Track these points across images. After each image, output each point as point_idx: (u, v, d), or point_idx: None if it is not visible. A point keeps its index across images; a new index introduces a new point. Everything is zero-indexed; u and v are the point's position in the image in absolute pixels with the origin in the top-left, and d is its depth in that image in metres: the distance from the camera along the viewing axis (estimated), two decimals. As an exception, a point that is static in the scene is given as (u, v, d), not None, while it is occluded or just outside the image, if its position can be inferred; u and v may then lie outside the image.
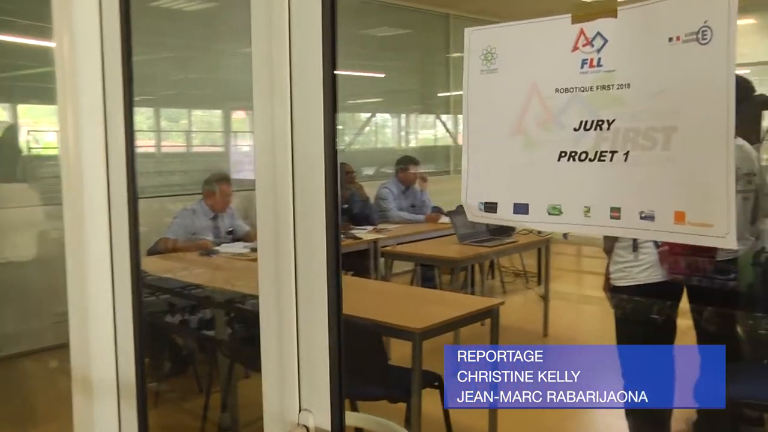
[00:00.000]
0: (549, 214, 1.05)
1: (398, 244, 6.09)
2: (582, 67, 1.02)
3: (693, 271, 3.26)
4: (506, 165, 1.08)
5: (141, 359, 1.89)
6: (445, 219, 7.05)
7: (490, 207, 1.13)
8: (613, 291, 3.35)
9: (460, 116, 9.42)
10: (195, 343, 4.62)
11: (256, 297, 3.70)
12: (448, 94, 9.47)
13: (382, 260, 5.87)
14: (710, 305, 3.31)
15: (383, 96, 8.86)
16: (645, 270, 3.20)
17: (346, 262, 6.31)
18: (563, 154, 1.01)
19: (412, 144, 9.42)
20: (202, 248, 5.09)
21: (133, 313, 1.84)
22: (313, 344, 1.20)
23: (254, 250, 5.23)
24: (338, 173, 1.12)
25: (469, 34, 1.19)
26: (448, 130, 9.55)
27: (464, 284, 6.86)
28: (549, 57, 1.07)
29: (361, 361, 3.02)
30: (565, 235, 6.25)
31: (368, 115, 8.90)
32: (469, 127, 1.13)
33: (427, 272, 6.32)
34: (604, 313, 6.77)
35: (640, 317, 3.25)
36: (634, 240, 3.21)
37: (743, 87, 4.21)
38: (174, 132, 8.19)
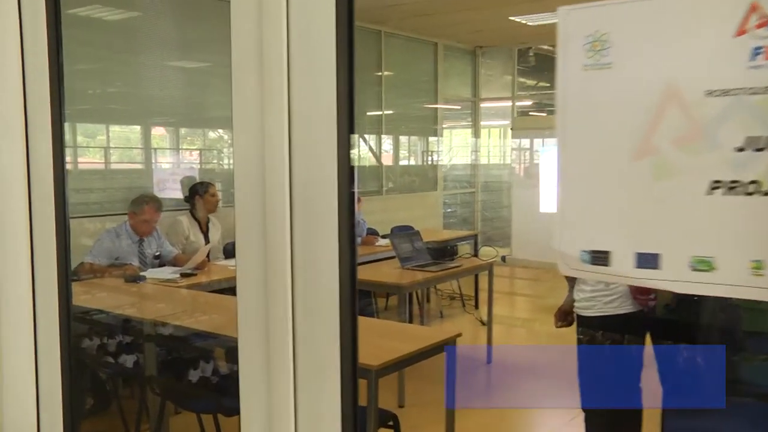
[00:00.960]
0: (694, 269, 0.72)
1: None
2: (753, 58, 0.70)
3: (664, 301, 3.12)
4: (625, 199, 0.76)
5: (71, 409, 1.57)
6: (382, 241, 6.83)
7: (600, 257, 0.80)
8: (579, 321, 3.17)
9: (384, 136, 9.43)
10: (119, 376, 4.22)
11: (191, 330, 3.37)
12: (380, 113, 9.29)
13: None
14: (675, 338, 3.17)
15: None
16: (614, 300, 3.03)
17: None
18: (717, 185, 0.69)
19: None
20: (129, 275, 4.70)
21: (62, 356, 1.52)
22: (320, 411, 0.92)
23: (185, 275, 4.92)
24: (354, 199, 0.86)
25: (565, 15, 0.82)
26: (371, 150, 9.36)
27: (401, 310, 6.64)
28: (697, 44, 0.74)
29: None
30: (503, 258, 6.10)
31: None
32: (567, 145, 0.81)
33: (364, 298, 6.06)
34: (543, 336, 6.72)
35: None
36: (602, 267, 3.05)
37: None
38: (91, 148, 7.73)
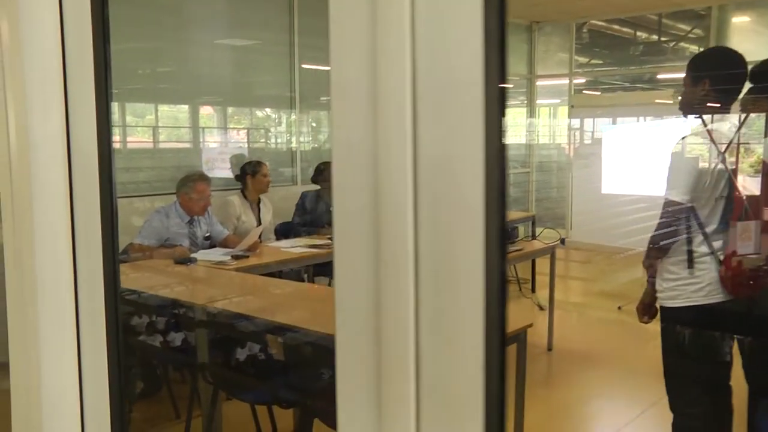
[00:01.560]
0: None
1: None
2: None
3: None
4: None
5: (120, 415, 1.38)
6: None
7: None
8: (663, 314, 2.90)
9: None
10: (170, 362, 4.09)
11: (245, 316, 3.19)
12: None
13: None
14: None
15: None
16: (702, 288, 2.76)
17: (329, 271, 5.80)
18: None
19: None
20: (178, 256, 4.55)
21: (110, 363, 1.32)
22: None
23: (236, 257, 4.76)
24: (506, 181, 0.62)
25: None
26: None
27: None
28: None
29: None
30: (562, 241, 5.82)
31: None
32: None
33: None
34: (605, 323, 6.44)
35: (696, 344, 2.80)
36: (690, 253, 2.77)
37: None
38: (140, 127, 7.66)
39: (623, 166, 6.83)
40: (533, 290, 7.46)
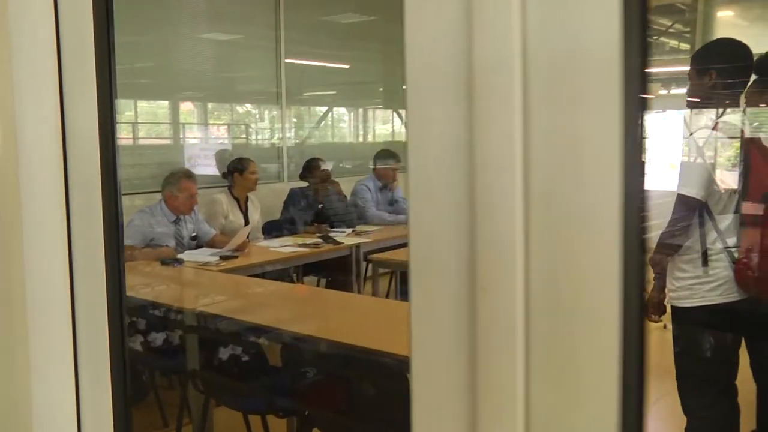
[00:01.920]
0: None
1: (379, 249, 5.46)
2: None
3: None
4: None
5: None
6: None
7: None
8: (675, 314, 2.79)
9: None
10: (158, 367, 3.92)
11: (234, 320, 3.04)
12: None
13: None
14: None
15: (345, 88, 8.24)
16: (718, 287, 2.65)
17: (323, 271, 5.65)
18: None
19: (370, 139, 8.84)
20: (164, 257, 4.38)
21: (114, 398, 1.18)
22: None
23: (224, 258, 4.60)
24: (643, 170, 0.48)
25: None
26: (406, 125, 8.99)
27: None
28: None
29: (389, 409, 2.40)
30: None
31: (324, 108, 8.27)
32: None
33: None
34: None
35: (712, 345, 2.70)
36: (704, 250, 2.67)
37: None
38: (119, 124, 7.46)
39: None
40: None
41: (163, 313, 3.41)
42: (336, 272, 5.56)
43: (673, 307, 2.79)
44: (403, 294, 5.53)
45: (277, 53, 6.98)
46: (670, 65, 10.03)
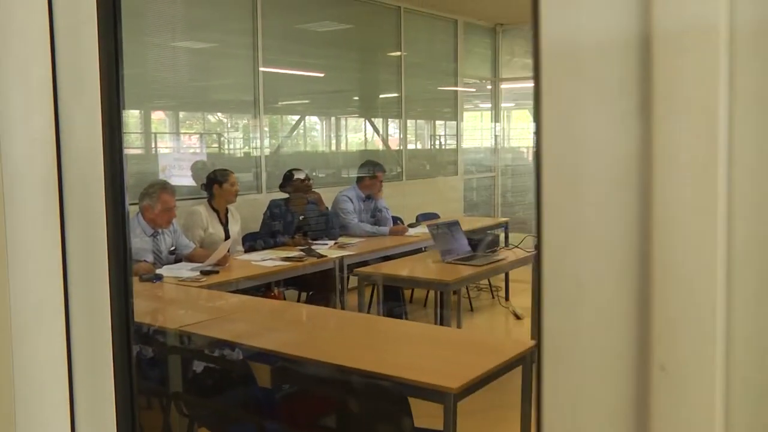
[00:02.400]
0: None
1: (362, 262, 5.32)
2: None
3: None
4: None
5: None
6: (411, 231, 6.35)
7: None
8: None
9: (392, 120, 8.90)
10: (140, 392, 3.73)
11: (219, 341, 2.88)
12: (393, 95, 8.77)
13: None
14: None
15: (319, 96, 8.11)
16: None
17: (304, 284, 5.49)
18: None
19: (342, 148, 8.71)
20: (143, 272, 4.20)
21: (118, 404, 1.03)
22: None
23: (205, 273, 4.43)
24: None
25: None
26: (378, 133, 8.86)
27: (447, 309, 6.14)
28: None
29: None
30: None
31: (297, 117, 8.12)
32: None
33: (390, 293, 5.55)
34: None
35: None
36: None
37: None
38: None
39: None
40: (507, 298, 7.27)
41: (144, 332, 3.23)
42: (318, 285, 5.41)
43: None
44: (386, 307, 5.40)
45: (254, 61, 6.83)
46: None
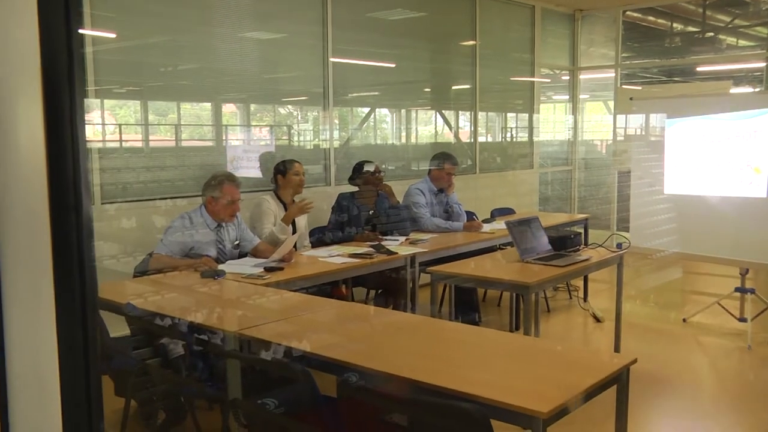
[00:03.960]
0: None
1: (434, 260, 5.03)
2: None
3: None
4: None
5: None
6: (486, 227, 6.03)
7: None
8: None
9: (462, 112, 8.54)
10: (197, 395, 3.55)
11: (280, 346, 2.63)
12: (466, 86, 8.43)
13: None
14: None
15: (389, 88, 7.84)
16: None
17: (376, 283, 5.25)
18: None
19: (412, 140, 8.43)
20: (205, 268, 4.01)
21: None
22: None
23: (269, 269, 4.21)
24: None
25: None
26: (449, 126, 8.54)
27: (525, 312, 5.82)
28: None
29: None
30: (619, 245, 5.22)
31: (367, 109, 7.87)
32: None
33: (463, 292, 5.23)
34: (671, 337, 5.84)
35: None
36: None
37: None
38: (162, 126, 7.21)
39: (688, 164, 6.22)
40: (585, 299, 6.88)
41: (201, 335, 3.03)
42: (387, 284, 5.16)
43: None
44: (458, 309, 5.10)
45: (323, 51, 6.62)
46: (736, 62, 9.48)
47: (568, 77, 10.07)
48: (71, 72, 0.69)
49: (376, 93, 7.91)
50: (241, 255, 4.54)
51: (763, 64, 8.54)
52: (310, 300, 3.69)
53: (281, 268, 4.16)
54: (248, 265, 4.23)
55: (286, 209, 4.99)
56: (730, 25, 9.58)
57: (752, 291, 5.87)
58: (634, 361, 2.56)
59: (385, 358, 2.62)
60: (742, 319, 5.81)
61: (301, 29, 6.66)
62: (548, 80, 9.91)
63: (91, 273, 0.76)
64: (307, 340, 2.80)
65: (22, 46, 0.70)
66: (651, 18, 9.84)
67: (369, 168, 5.49)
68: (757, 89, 8.62)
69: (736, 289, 5.95)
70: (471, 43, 8.35)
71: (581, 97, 10.20)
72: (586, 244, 5.33)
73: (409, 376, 2.36)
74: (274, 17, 6.38)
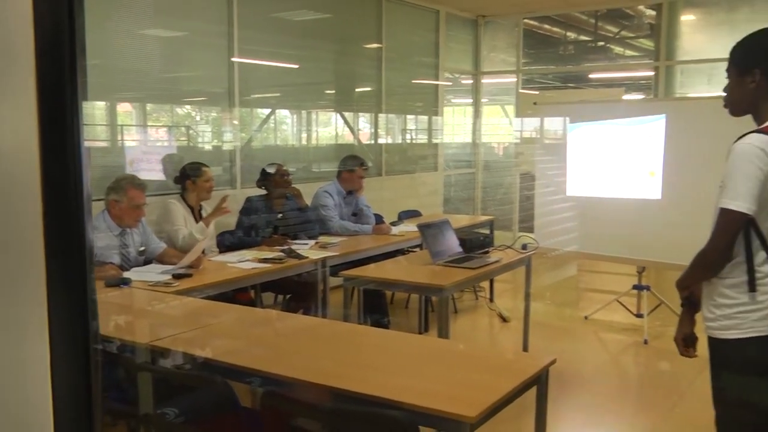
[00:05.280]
0: None
1: (344, 264, 5.00)
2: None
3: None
4: None
5: None
6: (394, 230, 6.04)
7: None
8: (716, 348, 2.40)
9: (363, 114, 8.52)
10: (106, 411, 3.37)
11: (194, 357, 2.54)
12: (370, 88, 8.44)
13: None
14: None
15: (292, 89, 7.75)
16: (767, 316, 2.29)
17: (285, 288, 5.15)
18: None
19: (313, 142, 8.38)
20: (109, 276, 3.83)
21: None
22: None
23: (177, 276, 4.06)
24: None
25: None
26: (350, 128, 8.53)
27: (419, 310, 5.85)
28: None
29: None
30: (524, 246, 5.33)
31: (268, 110, 7.74)
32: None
33: (374, 299, 5.22)
34: (573, 335, 6.02)
35: (764, 384, 2.32)
36: (751, 276, 2.29)
37: None
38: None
39: (589, 167, 6.44)
40: (492, 299, 7.00)
41: (109, 348, 2.88)
42: (296, 289, 5.07)
43: (713, 339, 2.41)
44: (368, 312, 5.08)
45: (228, 51, 6.47)
46: (628, 70, 9.91)
47: (469, 81, 10.24)
48: (73, 60, 0.62)
49: (278, 94, 7.79)
50: (147, 261, 4.37)
51: (651, 73, 8.96)
52: (220, 307, 3.58)
53: (190, 275, 4.02)
54: (155, 272, 4.07)
55: (194, 214, 4.84)
56: (617, 36, 9.99)
57: (648, 288, 6.13)
58: (554, 362, 2.61)
59: (305, 365, 2.56)
60: (639, 315, 6.07)
61: (205, 28, 6.48)
62: (450, 84, 10.05)
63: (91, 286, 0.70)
64: (221, 350, 2.71)
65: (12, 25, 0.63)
66: (547, 26, 10.13)
67: (270, 170, 5.39)
68: (650, 96, 9.02)
69: (634, 287, 6.21)
70: (376, 45, 8.36)
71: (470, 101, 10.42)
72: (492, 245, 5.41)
73: (332, 384, 2.32)
74: (176, 15, 6.18)
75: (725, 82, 2.45)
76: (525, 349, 5.09)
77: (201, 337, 2.92)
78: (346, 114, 8.53)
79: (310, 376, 2.43)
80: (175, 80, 6.71)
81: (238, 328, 3.17)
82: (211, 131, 7.16)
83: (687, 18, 9.03)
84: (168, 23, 6.19)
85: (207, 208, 4.98)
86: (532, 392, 2.54)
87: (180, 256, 4.26)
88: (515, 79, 9.84)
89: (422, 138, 9.83)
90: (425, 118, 9.67)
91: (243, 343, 2.93)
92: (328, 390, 2.32)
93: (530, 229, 7.28)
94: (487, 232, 6.86)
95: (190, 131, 7.43)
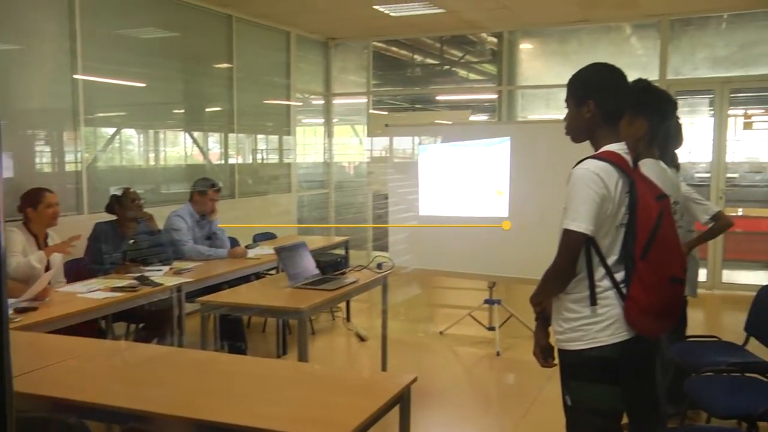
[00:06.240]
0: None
1: (200, 290, 4.90)
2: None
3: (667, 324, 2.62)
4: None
5: None
6: (250, 253, 5.97)
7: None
8: (565, 359, 2.57)
9: (212, 133, 8.38)
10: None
11: (45, 398, 2.40)
12: (221, 108, 8.34)
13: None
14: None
15: (138, 108, 7.51)
16: (608, 327, 2.47)
17: (138, 317, 4.95)
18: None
19: (162, 163, 8.16)
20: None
21: None
22: None
23: (20, 311, 3.77)
24: None
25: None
26: (200, 148, 8.40)
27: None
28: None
29: None
30: (379, 265, 5.45)
31: (113, 130, 7.45)
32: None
33: (230, 324, 5.13)
34: (431, 350, 6.18)
35: (607, 390, 2.50)
36: (592, 289, 2.48)
37: (671, 102, 3.72)
38: None
39: (440, 186, 6.67)
40: (348, 319, 7.07)
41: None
42: (149, 317, 4.90)
43: (561, 351, 2.57)
44: (226, 341, 5.00)
45: (71, 68, 6.18)
46: (474, 93, 10.37)
47: (321, 102, 10.34)
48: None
49: (124, 113, 7.52)
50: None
51: (495, 96, 9.44)
52: (68, 341, 3.39)
53: (35, 308, 3.79)
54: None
55: (38, 241, 4.57)
56: (462, 60, 10.44)
57: (499, 302, 6.42)
58: (415, 380, 2.68)
59: (165, 397, 2.49)
60: (491, 328, 6.34)
61: (44, 42, 6.15)
62: (302, 104, 10.10)
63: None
64: (74, 388, 2.58)
65: None
66: (395, 49, 10.43)
67: (118, 193, 5.20)
68: (494, 119, 9.48)
69: (485, 301, 6.48)
70: (227, 65, 8.27)
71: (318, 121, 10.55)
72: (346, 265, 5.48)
73: (195, 416, 2.28)
74: (11, 27, 5.81)
75: (562, 105, 2.65)
76: (384, 367, 5.18)
77: (50, 376, 2.76)
78: (196, 134, 8.35)
79: (171, 408, 2.37)
80: (5, 98, 6.28)
81: (89, 363, 3.02)
82: (50, 151, 6.76)
83: (525, 47, 9.59)
84: (1, 36, 5.82)
85: (53, 235, 4.71)
86: (395, 411, 2.60)
87: (23, 290, 4.00)
88: (366, 100, 10.04)
89: (274, 158, 9.80)
90: (277, 138, 9.65)
91: (96, 378, 2.80)
92: (192, 422, 2.28)
93: (384, 247, 7.44)
94: (343, 252, 6.93)
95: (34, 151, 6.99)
